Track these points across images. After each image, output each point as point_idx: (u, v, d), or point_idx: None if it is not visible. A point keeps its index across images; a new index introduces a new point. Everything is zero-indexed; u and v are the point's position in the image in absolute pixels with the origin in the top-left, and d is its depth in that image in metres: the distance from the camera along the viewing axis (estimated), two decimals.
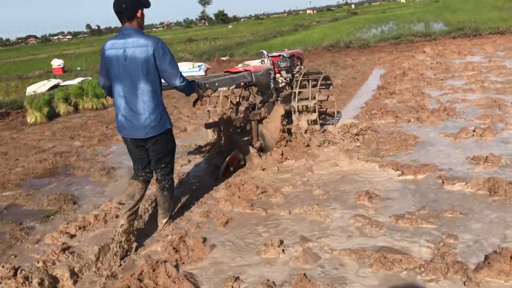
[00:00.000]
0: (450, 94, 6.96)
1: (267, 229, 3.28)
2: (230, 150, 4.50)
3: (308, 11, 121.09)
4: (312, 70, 5.79)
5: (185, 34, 48.01)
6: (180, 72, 3.09)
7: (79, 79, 13.02)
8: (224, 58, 16.26)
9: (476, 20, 21.02)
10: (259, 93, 5.38)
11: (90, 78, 12.84)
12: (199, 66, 13.94)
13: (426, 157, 4.38)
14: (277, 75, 5.59)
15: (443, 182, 3.71)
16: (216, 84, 3.99)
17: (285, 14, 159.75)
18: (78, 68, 18.39)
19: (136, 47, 2.93)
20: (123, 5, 2.97)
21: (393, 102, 6.89)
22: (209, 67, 14.69)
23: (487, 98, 6.27)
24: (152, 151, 3.19)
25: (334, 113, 6.13)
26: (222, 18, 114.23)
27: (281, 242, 3.01)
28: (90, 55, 27.21)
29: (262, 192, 3.93)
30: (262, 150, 4.81)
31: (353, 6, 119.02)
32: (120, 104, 3.06)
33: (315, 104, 5.20)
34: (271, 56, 5.51)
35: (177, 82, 3.06)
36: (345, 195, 3.72)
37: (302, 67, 6.07)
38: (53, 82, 12.87)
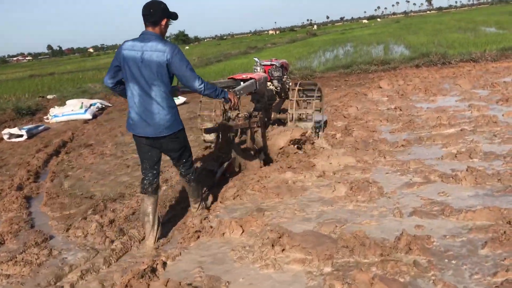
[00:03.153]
0: (419, 189, 3.78)
1: None
2: (226, 155, 4.68)
3: (271, 32, 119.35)
4: (307, 81, 6.66)
5: None
6: (198, 75, 3.16)
7: None
8: None
9: (440, 42, 18.49)
10: (253, 101, 5.43)
11: None
12: (91, 104, 10.42)
13: None
14: (268, 83, 5.70)
15: None
16: (242, 91, 4.11)
17: (249, 34, 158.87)
18: None
19: (154, 51, 3.07)
20: (151, 10, 3.11)
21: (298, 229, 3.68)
22: (109, 105, 11.19)
23: (490, 212, 3.08)
24: (169, 151, 3.36)
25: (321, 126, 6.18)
26: (182, 38, 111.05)
27: None
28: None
29: None
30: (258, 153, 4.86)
31: (315, 27, 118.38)
32: (134, 103, 3.16)
33: (312, 113, 5.48)
34: (263, 65, 5.71)
35: (196, 85, 3.15)
36: None
37: (287, 77, 6.23)
38: None
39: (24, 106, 11.13)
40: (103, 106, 11.06)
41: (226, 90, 3.49)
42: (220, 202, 4.00)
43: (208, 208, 3.89)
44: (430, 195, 3.63)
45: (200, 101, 5.76)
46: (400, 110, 6.92)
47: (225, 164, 4.56)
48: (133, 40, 3.18)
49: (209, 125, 5.33)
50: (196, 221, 3.60)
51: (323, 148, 5.10)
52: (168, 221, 3.87)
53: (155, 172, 3.41)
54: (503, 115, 5.87)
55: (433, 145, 5.02)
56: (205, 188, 4.18)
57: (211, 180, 4.54)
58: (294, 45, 31.83)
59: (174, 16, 3.25)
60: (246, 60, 21.29)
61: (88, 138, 7.75)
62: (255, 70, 5.59)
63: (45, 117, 10.26)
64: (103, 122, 9.24)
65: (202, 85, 3.18)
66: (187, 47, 62.26)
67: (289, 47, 29.44)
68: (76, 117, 9.67)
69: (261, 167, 4.69)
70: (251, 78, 4.74)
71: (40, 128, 8.82)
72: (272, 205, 3.81)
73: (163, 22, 3.18)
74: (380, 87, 9.40)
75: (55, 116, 9.83)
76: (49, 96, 13.53)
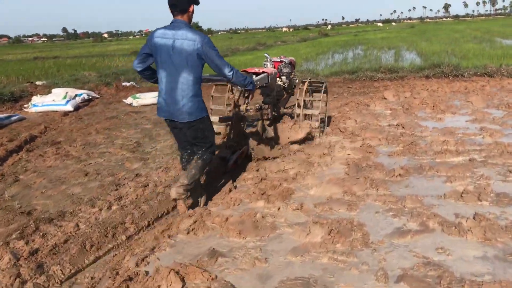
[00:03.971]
0: (413, 240, 3.05)
1: None
2: (238, 143, 4.84)
3: (284, 29, 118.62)
4: (315, 79, 6.64)
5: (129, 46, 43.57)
6: (228, 63, 3.30)
7: None
8: (128, 84, 12.10)
9: (454, 51, 17.64)
10: (263, 95, 5.61)
11: None
12: (76, 95, 9.73)
13: None
14: (277, 79, 5.82)
15: None
16: (258, 82, 4.59)
17: (264, 30, 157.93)
18: None
19: (185, 39, 3.18)
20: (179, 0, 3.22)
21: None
22: (96, 96, 10.50)
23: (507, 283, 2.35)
24: (190, 136, 3.50)
25: (325, 122, 6.31)
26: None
27: None
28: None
29: None
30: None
31: (329, 27, 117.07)
32: (162, 89, 3.35)
33: (319, 113, 5.68)
34: (273, 61, 5.86)
35: (227, 71, 3.29)
36: None
37: (294, 74, 6.36)
38: None
39: (6, 92, 10.45)
40: (90, 97, 10.38)
41: (254, 84, 3.67)
42: (169, 238, 3.28)
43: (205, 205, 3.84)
44: (426, 250, 2.89)
45: (212, 96, 5.86)
46: (403, 127, 6.16)
47: (237, 152, 4.76)
48: (164, 28, 3.31)
49: (215, 118, 5.35)
50: (131, 263, 2.89)
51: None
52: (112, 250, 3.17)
53: (189, 151, 3.63)
54: None
55: (435, 177, 4.27)
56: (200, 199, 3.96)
57: (223, 167, 4.65)
58: (304, 45, 30.99)
59: (197, 1, 3.37)
60: (251, 57, 20.55)
61: (59, 134, 7.07)
62: (265, 65, 5.76)
63: (25, 106, 9.59)
64: (83, 116, 8.55)
65: (232, 72, 3.34)
66: None
67: (299, 46, 28.64)
68: (57, 108, 9.00)
69: (261, 158, 4.85)
70: (263, 72, 4.94)
71: (14, 118, 8.15)
72: (230, 247, 3.10)
73: (191, 9, 3.30)
74: (385, 98, 8.63)
75: (34, 105, 9.17)
76: (38, 82, 12.87)
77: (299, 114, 5.55)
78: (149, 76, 3.54)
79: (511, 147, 4.93)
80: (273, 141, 5.15)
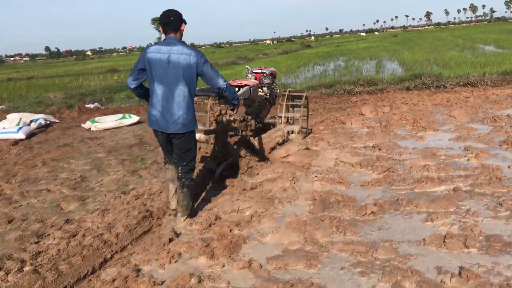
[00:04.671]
0: None
1: None
2: (223, 155, 4.86)
3: (268, 42, 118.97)
4: (296, 89, 7.05)
5: (109, 63, 42.77)
6: (221, 75, 3.54)
7: None
8: (92, 106, 11.36)
9: (436, 60, 17.24)
10: (245, 106, 5.51)
11: None
12: (31, 121, 8.99)
13: None
14: (259, 90, 5.97)
15: None
16: (241, 96, 4.76)
17: (248, 43, 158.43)
18: None
19: (181, 54, 3.41)
20: (171, 18, 3.48)
21: None
22: (55, 121, 9.75)
23: None
24: (177, 146, 3.62)
25: (306, 128, 6.50)
26: None
27: None
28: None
29: None
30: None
31: (312, 38, 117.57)
32: (158, 102, 3.47)
33: (299, 117, 6.06)
34: (254, 73, 6.12)
35: (221, 83, 3.53)
36: None
37: (275, 84, 6.60)
38: None
39: None
40: (48, 122, 9.63)
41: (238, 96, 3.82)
42: None
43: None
44: None
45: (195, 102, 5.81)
46: (380, 149, 5.53)
47: (223, 163, 4.77)
48: (158, 44, 3.50)
49: (202, 128, 5.46)
50: None
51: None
52: None
53: (173, 154, 3.74)
54: (509, 166, 4.49)
55: (414, 213, 3.62)
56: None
57: (210, 178, 4.71)
58: (286, 57, 30.54)
59: (185, 22, 3.58)
60: (230, 72, 19.89)
61: (0, 168, 6.30)
62: (247, 77, 5.93)
63: None
64: (34, 145, 7.80)
65: (225, 84, 3.57)
66: None
67: (280, 59, 28.17)
68: (7, 137, 8.23)
69: (245, 168, 4.99)
70: (246, 85, 5.07)
71: None
72: None
73: (182, 27, 3.54)
74: (362, 114, 8.03)
75: None
76: None
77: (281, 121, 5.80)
78: (142, 94, 3.69)
79: (499, 171, 4.32)
80: (257, 152, 5.28)
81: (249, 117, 5.42)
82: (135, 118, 8.88)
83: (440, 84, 10.12)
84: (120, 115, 9.01)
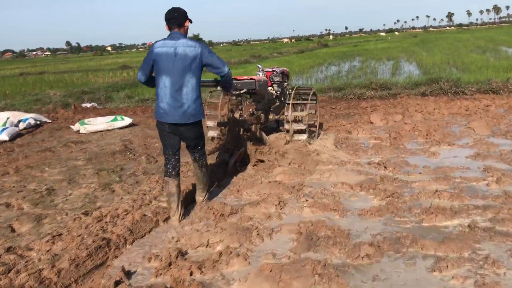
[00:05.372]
0: None
1: None
2: (235, 147, 5.08)
3: (285, 40, 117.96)
4: (303, 86, 7.41)
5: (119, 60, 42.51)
6: (226, 63, 3.68)
7: None
8: (89, 105, 10.85)
9: (455, 62, 16.34)
10: (254, 102, 5.87)
11: None
12: (19, 121, 8.51)
13: None
14: (270, 88, 6.02)
15: None
16: (240, 85, 4.88)
17: (266, 41, 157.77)
18: None
19: (186, 46, 3.56)
20: (176, 14, 3.65)
21: None
22: (47, 121, 9.26)
23: None
24: (189, 137, 3.79)
25: (316, 126, 6.54)
26: None
27: None
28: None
29: None
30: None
31: (330, 37, 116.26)
32: (166, 94, 3.59)
33: (305, 115, 5.92)
34: (265, 71, 6.07)
35: (226, 69, 3.66)
36: None
37: (287, 83, 6.61)
38: None
39: None
40: (38, 122, 9.12)
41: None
42: None
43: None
44: None
45: (208, 103, 6.32)
46: (385, 167, 4.83)
47: (235, 154, 4.99)
48: (164, 39, 3.66)
49: (211, 123, 6.01)
50: None
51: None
52: None
53: (177, 157, 3.81)
54: None
55: (418, 258, 2.94)
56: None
57: (224, 169, 4.91)
58: (300, 56, 29.81)
59: (191, 21, 3.76)
60: (241, 71, 19.24)
61: None
62: (258, 75, 5.92)
63: None
64: (15, 148, 7.28)
65: (229, 71, 3.71)
66: None
67: (294, 58, 27.41)
68: None
69: (257, 160, 5.19)
70: (251, 79, 5.23)
71: None
72: None
73: (186, 24, 3.71)
74: (371, 123, 7.31)
75: None
76: None
77: (288, 118, 5.82)
78: (152, 85, 3.80)
79: None
80: (267, 145, 5.48)
81: (259, 112, 5.72)
82: (127, 121, 8.31)
83: (458, 90, 9.32)
84: (112, 117, 8.45)
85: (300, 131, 5.85)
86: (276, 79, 6.18)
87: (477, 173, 4.51)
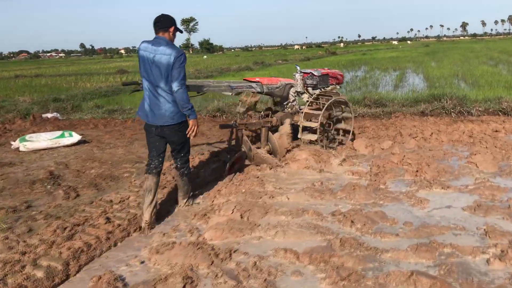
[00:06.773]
0: None
1: None
2: (238, 150, 5.08)
3: (296, 46, 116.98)
4: (329, 92, 6.02)
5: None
6: (183, 82, 3.63)
7: None
8: (49, 116, 9.76)
9: (464, 75, 15.03)
10: (275, 105, 5.99)
11: None
12: None
13: None
14: (292, 91, 5.96)
15: None
16: (235, 88, 5.04)
17: (278, 48, 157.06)
18: None
19: (163, 54, 3.62)
20: (161, 18, 3.75)
21: None
22: None
23: None
24: (173, 141, 3.85)
25: (350, 132, 6.30)
26: (207, 47, 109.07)
27: None
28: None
29: None
30: (269, 153, 5.29)
31: (342, 44, 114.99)
32: (147, 96, 3.75)
33: (316, 126, 5.49)
34: (303, 72, 6.00)
35: (174, 86, 3.61)
36: None
37: (338, 86, 6.59)
38: None
39: None
40: None
41: (195, 114, 3.78)
42: None
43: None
44: None
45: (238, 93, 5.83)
46: (353, 223, 3.62)
47: (234, 157, 4.94)
48: (147, 42, 3.75)
49: (242, 109, 5.58)
50: None
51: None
52: None
53: (160, 159, 3.89)
54: None
55: None
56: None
57: (222, 170, 4.90)
58: (304, 64, 28.54)
59: (180, 30, 3.87)
60: (237, 79, 18.08)
61: None
62: (294, 76, 5.91)
63: None
64: None
65: (178, 89, 3.61)
66: (205, 57, 59.50)
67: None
68: None
69: (258, 164, 5.09)
70: (258, 81, 5.29)
71: None
72: None
73: (171, 29, 3.76)
74: (354, 149, 6.07)
75: None
76: None
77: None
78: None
79: None
80: (273, 149, 5.33)
81: (271, 117, 5.53)
82: (76, 138, 7.20)
83: (463, 110, 8.05)
84: (59, 133, 7.35)
85: (311, 131, 5.59)
86: (309, 82, 6.01)
87: (474, 239, 3.29)
